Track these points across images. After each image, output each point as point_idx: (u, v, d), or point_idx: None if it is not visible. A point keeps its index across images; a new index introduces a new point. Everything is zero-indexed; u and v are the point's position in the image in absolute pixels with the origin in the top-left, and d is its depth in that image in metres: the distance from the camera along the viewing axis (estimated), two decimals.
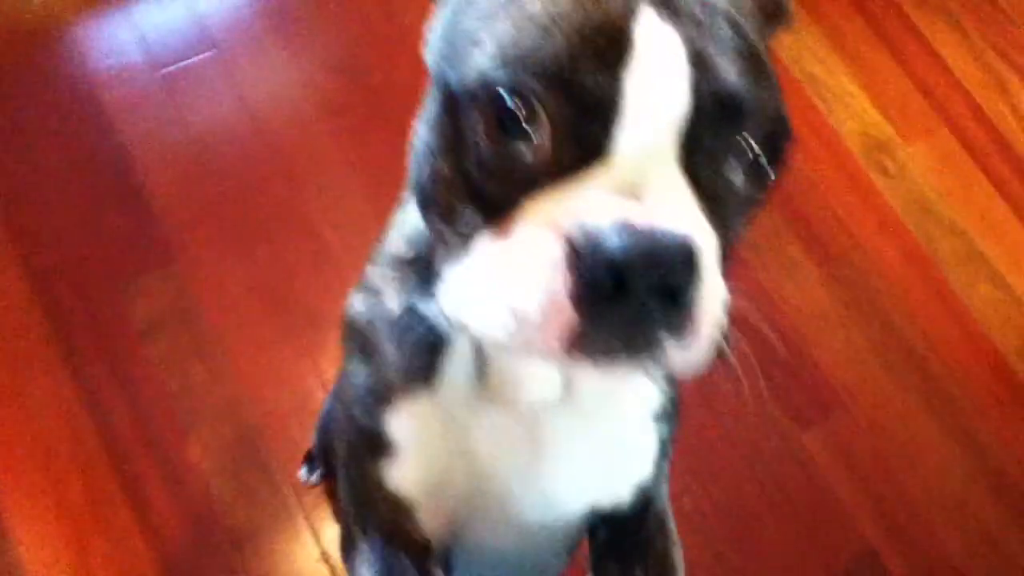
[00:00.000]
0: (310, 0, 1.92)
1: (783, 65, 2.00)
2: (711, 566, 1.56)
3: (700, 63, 0.49)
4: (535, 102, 0.49)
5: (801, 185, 1.89)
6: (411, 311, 0.72)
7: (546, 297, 0.47)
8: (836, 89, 2.01)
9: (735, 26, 0.52)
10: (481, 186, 0.53)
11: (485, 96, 0.51)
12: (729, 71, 0.50)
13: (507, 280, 0.49)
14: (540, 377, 0.70)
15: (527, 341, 0.48)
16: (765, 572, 1.58)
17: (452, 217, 0.55)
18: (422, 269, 0.69)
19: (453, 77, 0.55)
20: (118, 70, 1.80)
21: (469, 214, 0.53)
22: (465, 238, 0.53)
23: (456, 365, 0.71)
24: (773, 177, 0.55)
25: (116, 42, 1.83)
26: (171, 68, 1.81)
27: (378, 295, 0.77)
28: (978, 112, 2.03)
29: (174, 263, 1.65)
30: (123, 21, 1.85)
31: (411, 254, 0.71)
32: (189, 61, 1.82)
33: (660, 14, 0.49)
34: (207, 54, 1.83)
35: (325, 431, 1.35)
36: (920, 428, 1.72)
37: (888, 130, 1.99)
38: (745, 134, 0.52)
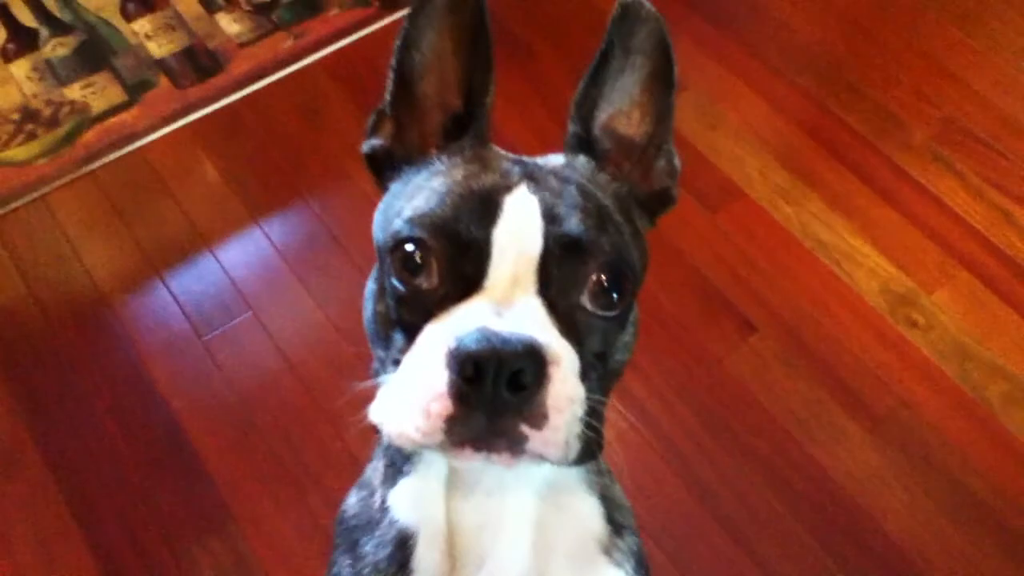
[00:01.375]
0: (326, 242, 2.04)
1: (795, 239, 2.07)
2: None
3: (551, 218, 0.66)
4: (429, 248, 0.67)
5: (834, 351, 1.91)
6: (383, 505, 0.82)
7: (431, 392, 0.60)
8: (848, 251, 2.06)
9: (584, 191, 0.69)
10: (400, 315, 0.70)
11: (396, 246, 0.69)
12: (572, 222, 0.66)
13: (408, 385, 0.63)
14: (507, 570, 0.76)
15: (423, 432, 0.61)
16: None
17: (387, 344, 0.72)
18: (393, 453, 0.82)
19: (382, 240, 0.74)
20: (164, 342, 1.90)
21: (397, 339, 0.70)
22: (396, 361, 0.67)
23: (425, 558, 0.77)
24: (617, 310, 0.69)
25: (160, 315, 1.94)
26: (213, 334, 1.91)
27: (370, 490, 0.86)
28: (990, 247, 2.06)
29: (231, 523, 1.68)
30: (163, 293, 1.97)
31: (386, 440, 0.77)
32: (228, 325, 1.92)
33: (528, 186, 0.68)
34: (244, 316, 1.93)
35: None
36: None
37: (908, 283, 2.02)
38: (591, 270, 0.67)
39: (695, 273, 2.01)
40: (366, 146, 0.82)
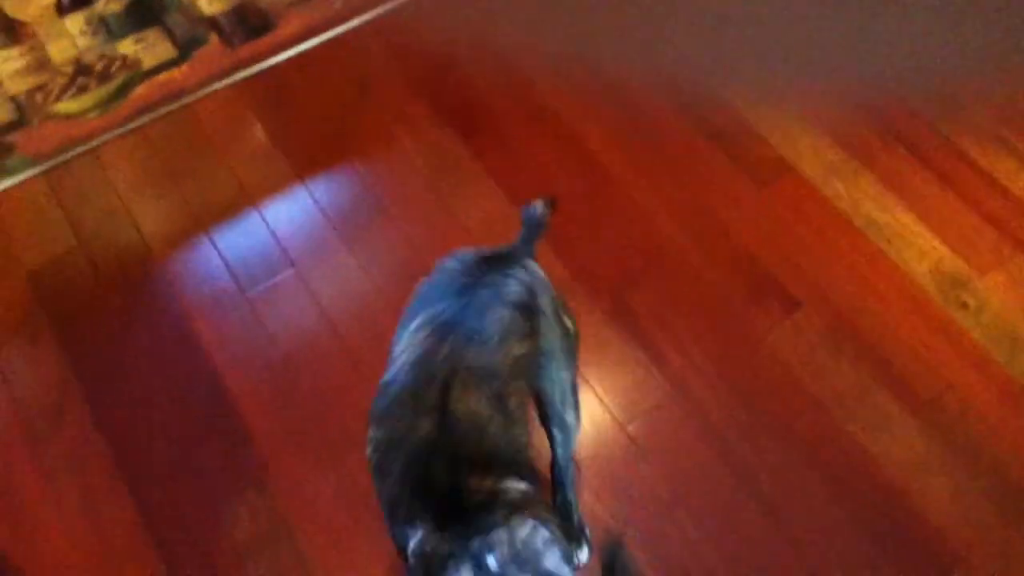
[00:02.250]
0: (372, 208, 2.05)
1: (845, 217, 2.03)
2: None
3: None
4: None
5: (880, 332, 1.87)
6: None
7: None
8: (899, 231, 2.01)
9: None
10: None
11: None
12: None
13: None
14: None
15: None
16: None
17: None
18: None
19: None
20: (209, 298, 1.92)
21: None
22: None
23: None
24: None
25: (204, 269, 1.96)
26: (257, 290, 1.93)
27: None
28: None
29: (269, 480, 1.70)
30: (208, 248, 1.99)
31: None
32: (271, 281, 1.94)
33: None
34: (287, 272, 1.95)
35: None
36: None
37: (960, 264, 1.97)
38: None
39: (741, 249, 1.98)
40: None
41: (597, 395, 1.80)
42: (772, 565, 1.62)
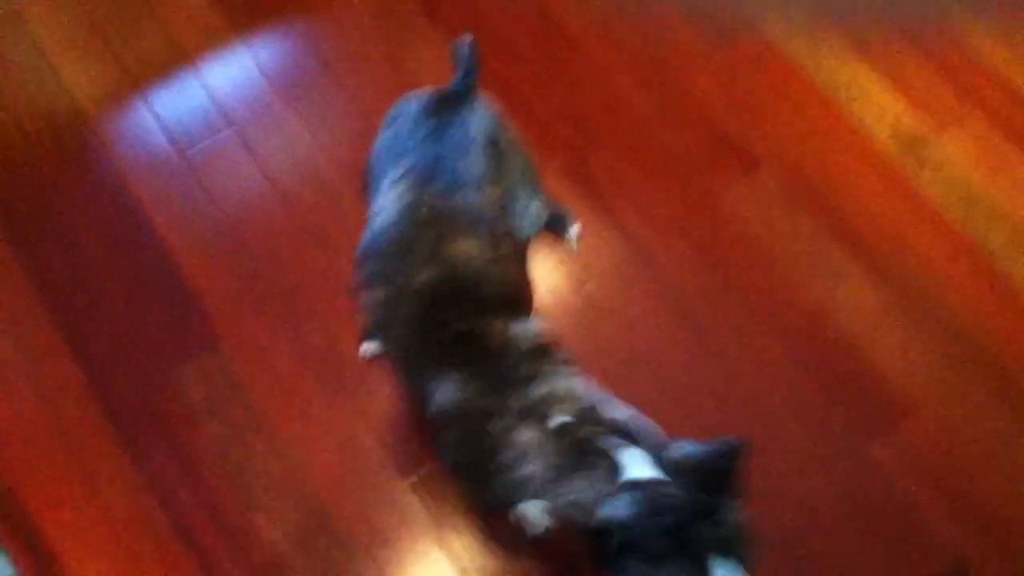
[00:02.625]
0: (316, 64, 1.95)
1: (806, 76, 1.99)
2: None
3: None
4: None
5: (838, 190, 1.86)
6: None
7: None
8: (861, 89, 1.98)
9: None
10: None
11: None
12: None
13: None
14: None
15: None
16: None
17: None
18: None
19: None
20: (145, 158, 1.83)
21: None
22: None
23: None
24: None
25: (140, 130, 1.86)
26: (194, 149, 1.84)
27: None
28: (1009, 91, 1.99)
29: (220, 342, 1.66)
30: (143, 109, 1.89)
31: None
32: (210, 140, 1.85)
33: None
34: (226, 132, 1.86)
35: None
36: (995, 424, 1.66)
37: (920, 122, 1.95)
38: None
39: (701, 109, 1.94)
40: None
41: (553, 253, 1.77)
42: (730, 420, 1.65)
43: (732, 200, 1.84)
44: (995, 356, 1.72)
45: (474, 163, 1.20)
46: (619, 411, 1.09)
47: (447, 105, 1.25)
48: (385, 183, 1.24)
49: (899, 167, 1.90)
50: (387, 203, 1.21)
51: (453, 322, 1.12)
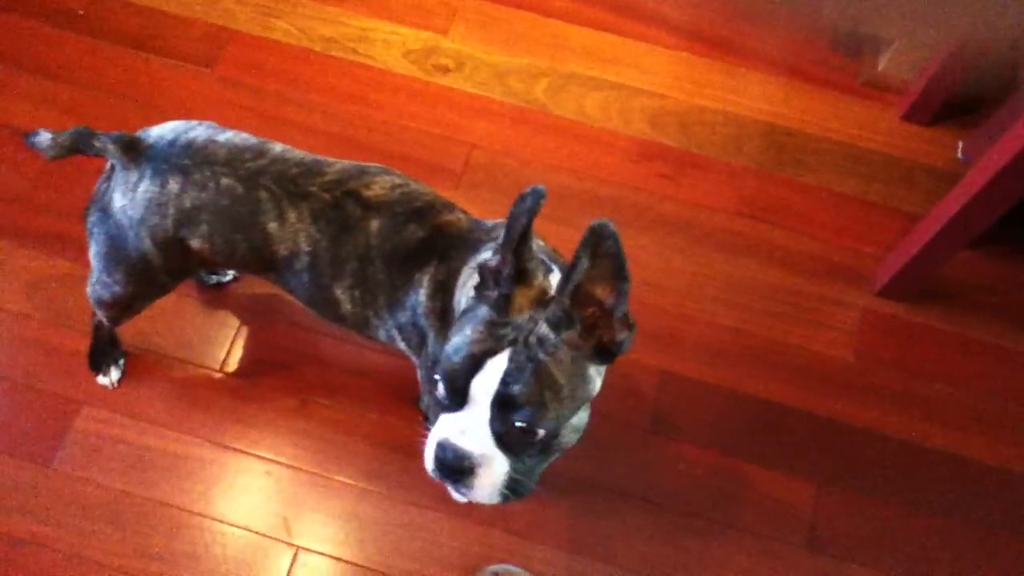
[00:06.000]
0: None
1: (305, 50, 1.97)
2: None
3: (505, 381, 1.01)
4: (444, 380, 1.05)
5: (389, 133, 1.89)
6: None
7: (428, 462, 1.09)
8: (358, 35, 2.00)
9: (538, 371, 1.01)
10: (433, 409, 1.18)
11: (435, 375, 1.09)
12: (515, 388, 1.00)
13: (428, 447, 1.09)
14: None
15: (429, 468, 1.09)
16: None
17: (432, 414, 1.18)
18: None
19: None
20: None
21: (435, 417, 1.10)
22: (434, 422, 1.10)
23: None
24: (536, 438, 1.04)
25: None
26: None
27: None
28: None
29: None
30: None
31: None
32: None
33: (509, 352, 1.01)
34: None
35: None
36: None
37: (423, 35, 2.01)
38: (515, 419, 1.02)
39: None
40: None
41: None
42: None
43: None
44: (588, 195, 1.84)
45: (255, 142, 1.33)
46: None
47: None
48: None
49: (430, 82, 1.96)
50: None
51: (419, 234, 1.27)
